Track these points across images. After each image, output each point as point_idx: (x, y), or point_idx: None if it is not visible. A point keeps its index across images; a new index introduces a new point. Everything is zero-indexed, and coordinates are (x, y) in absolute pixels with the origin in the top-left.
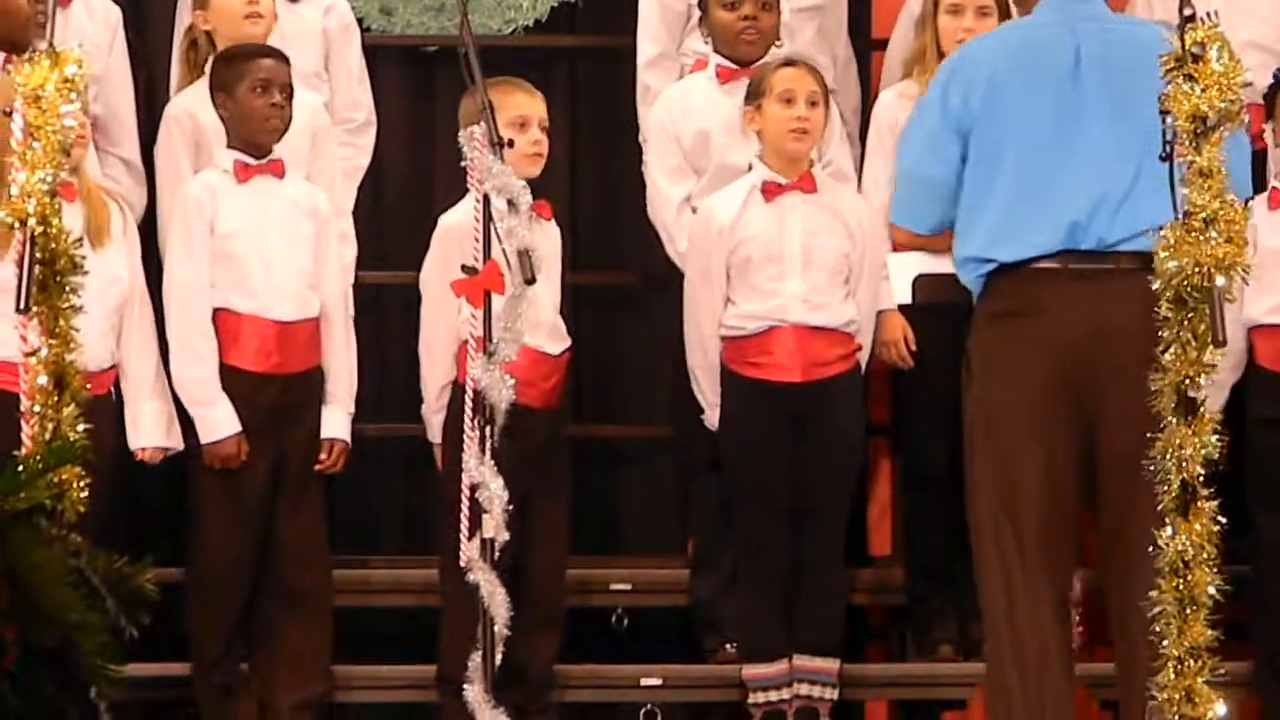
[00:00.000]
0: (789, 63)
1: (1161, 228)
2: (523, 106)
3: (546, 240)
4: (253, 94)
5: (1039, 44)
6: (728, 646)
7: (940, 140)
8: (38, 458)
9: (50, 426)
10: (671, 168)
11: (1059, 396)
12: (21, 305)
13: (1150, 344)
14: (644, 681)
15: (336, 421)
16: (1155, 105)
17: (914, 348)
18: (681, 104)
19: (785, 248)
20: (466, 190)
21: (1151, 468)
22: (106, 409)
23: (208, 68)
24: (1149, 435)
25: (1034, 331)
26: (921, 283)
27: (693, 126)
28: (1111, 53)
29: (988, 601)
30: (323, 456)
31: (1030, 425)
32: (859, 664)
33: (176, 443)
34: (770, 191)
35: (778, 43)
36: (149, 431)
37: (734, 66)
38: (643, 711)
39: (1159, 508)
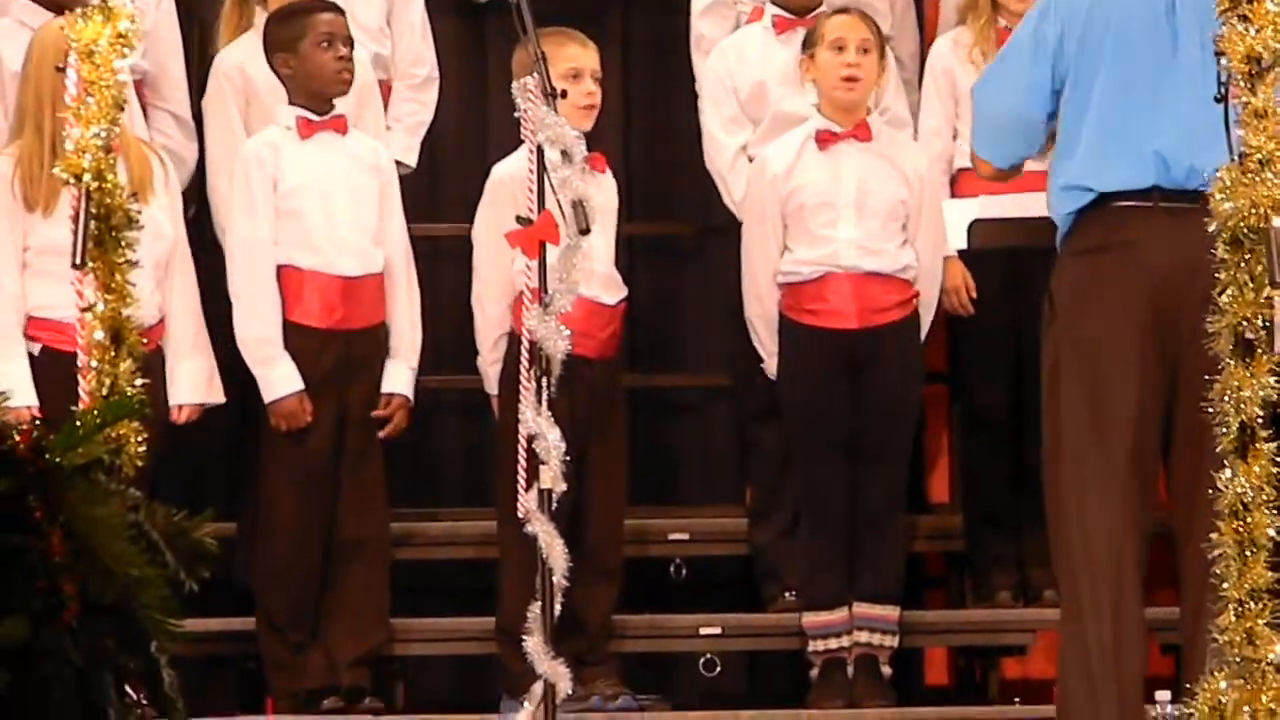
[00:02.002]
0: (841, 10)
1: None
2: (576, 58)
3: (601, 191)
4: (318, 49)
5: None
6: (787, 595)
7: (1033, 75)
8: (95, 413)
9: (108, 381)
10: (728, 117)
11: (1147, 331)
12: (78, 260)
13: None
14: (703, 631)
15: (399, 376)
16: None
17: (974, 295)
18: (738, 54)
19: (839, 194)
20: (520, 142)
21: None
22: (157, 363)
23: (258, 22)
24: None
25: (1122, 266)
26: (977, 229)
27: (749, 76)
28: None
29: (1060, 526)
30: (382, 412)
31: (1120, 358)
32: (918, 611)
33: (217, 397)
34: (824, 140)
35: None
36: (187, 389)
37: (790, 16)
38: (702, 660)
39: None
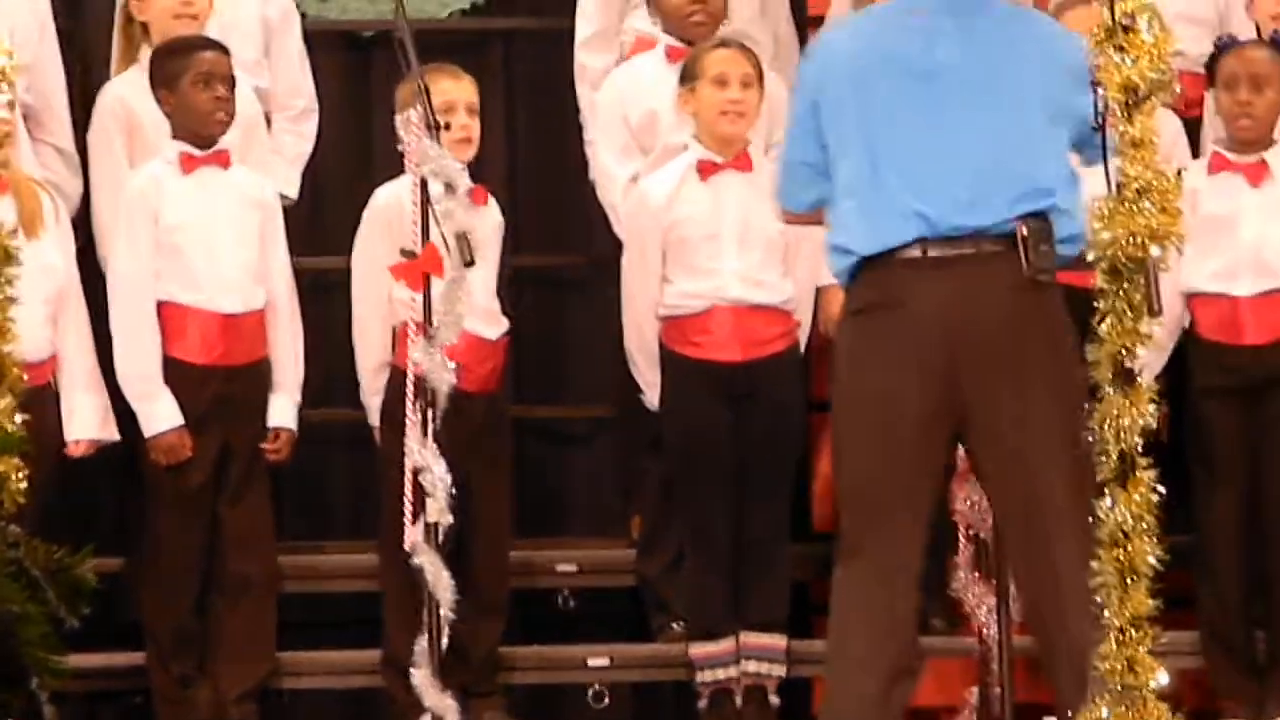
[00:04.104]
0: (722, 44)
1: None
2: (449, 92)
3: (483, 223)
4: (196, 88)
5: (894, 31)
6: (675, 625)
7: (800, 127)
8: None
9: None
10: (619, 147)
11: (922, 391)
12: None
13: (1018, 324)
14: (591, 662)
15: (283, 410)
16: (1020, 88)
17: None
18: (630, 83)
19: (722, 226)
20: (405, 173)
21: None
22: (48, 398)
23: (143, 56)
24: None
25: (893, 323)
26: None
27: (642, 106)
28: (971, 39)
29: (842, 595)
30: (269, 445)
31: (898, 409)
32: (806, 640)
33: (111, 434)
34: (706, 170)
35: (726, 21)
36: (83, 424)
37: (684, 46)
38: (590, 692)
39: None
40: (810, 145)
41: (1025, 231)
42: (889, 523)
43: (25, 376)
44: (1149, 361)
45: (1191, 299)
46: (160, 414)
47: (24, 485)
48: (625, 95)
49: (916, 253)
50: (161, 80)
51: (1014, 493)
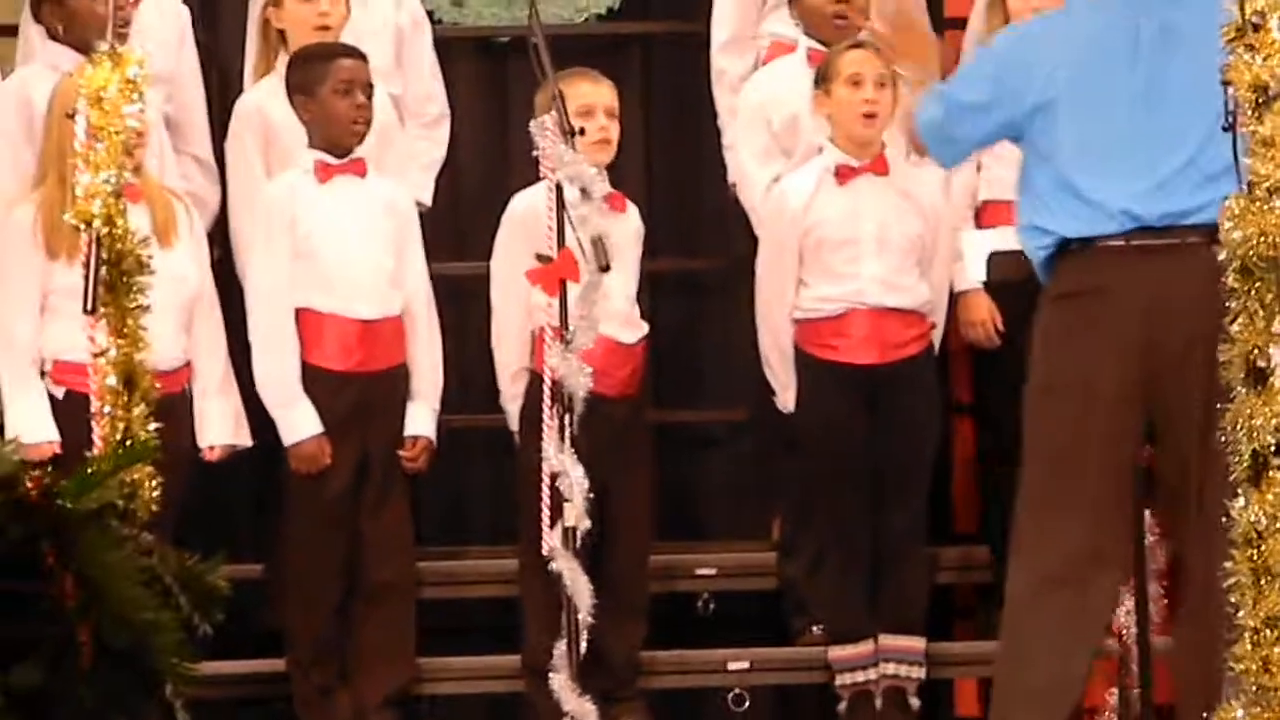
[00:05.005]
0: (856, 45)
1: (1226, 198)
2: (587, 95)
3: (621, 228)
4: (336, 96)
5: (1100, 22)
6: (814, 629)
7: (982, 95)
8: (108, 458)
9: (121, 426)
10: (760, 149)
11: (1119, 376)
12: (89, 306)
13: (1216, 317)
14: (731, 665)
15: (421, 418)
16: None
17: (1000, 327)
18: (772, 86)
19: (861, 230)
20: (541, 180)
21: (1219, 439)
22: (183, 407)
23: (279, 64)
24: (1217, 407)
25: (1097, 310)
26: (996, 260)
27: (784, 109)
28: (1174, 29)
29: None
30: (406, 454)
31: (1094, 399)
32: (946, 642)
33: (244, 440)
34: (843, 174)
35: (868, 23)
36: (216, 429)
37: (825, 49)
38: (730, 695)
39: (1229, 479)
40: (980, 125)
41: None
42: (1080, 506)
43: (158, 385)
44: None
45: None
46: (300, 422)
47: (157, 494)
48: (766, 98)
49: (1121, 241)
50: (299, 87)
51: (1192, 478)
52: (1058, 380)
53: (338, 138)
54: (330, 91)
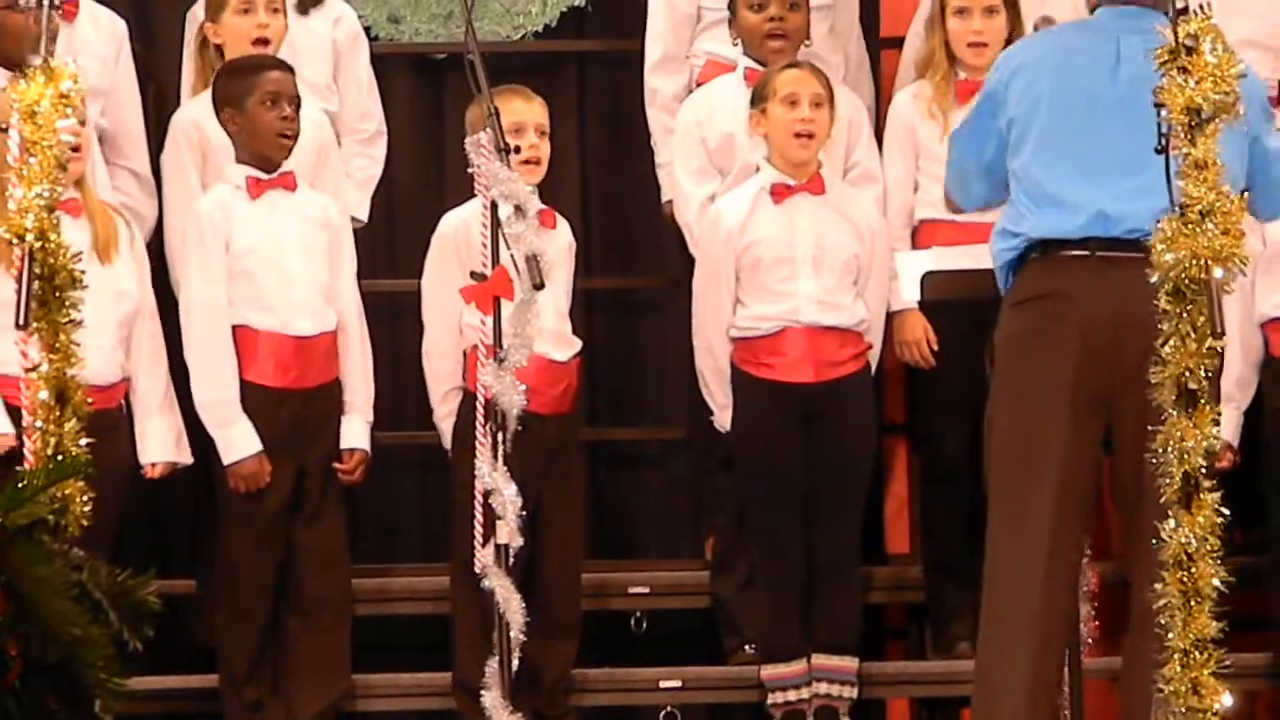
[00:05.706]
0: (792, 65)
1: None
2: (519, 112)
3: (551, 244)
4: (262, 107)
5: (1080, 43)
6: (747, 647)
7: (980, 129)
8: (39, 473)
9: (52, 441)
10: (696, 168)
11: (1080, 380)
12: (21, 321)
13: (1157, 327)
14: (663, 684)
15: (357, 431)
16: None
17: (935, 347)
18: (709, 105)
19: (797, 249)
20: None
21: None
22: (119, 423)
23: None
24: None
25: (1057, 316)
26: (929, 280)
27: (719, 127)
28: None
29: (993, 563)
30: (343, 467)
31: (1053, 407)
32: (878, 662)
33: (186, 457)
34: (779, 193)
35: (807, 42)
36: (157, 447)
37: (762, 68)
38: (662, 714)
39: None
40: (984, 148)
41: None
42: (1039, 506)
43: (91, 400)
44: (1237, 398)
45: (1265, 325)
46: (239, 440)
47: (88, 509)
48: (703, 117)
49: (1085, 251)
50: (227, 99)
51: (1139, 489)
52: (1022, 382)
53: (264, 150)
54: (257, 103)
